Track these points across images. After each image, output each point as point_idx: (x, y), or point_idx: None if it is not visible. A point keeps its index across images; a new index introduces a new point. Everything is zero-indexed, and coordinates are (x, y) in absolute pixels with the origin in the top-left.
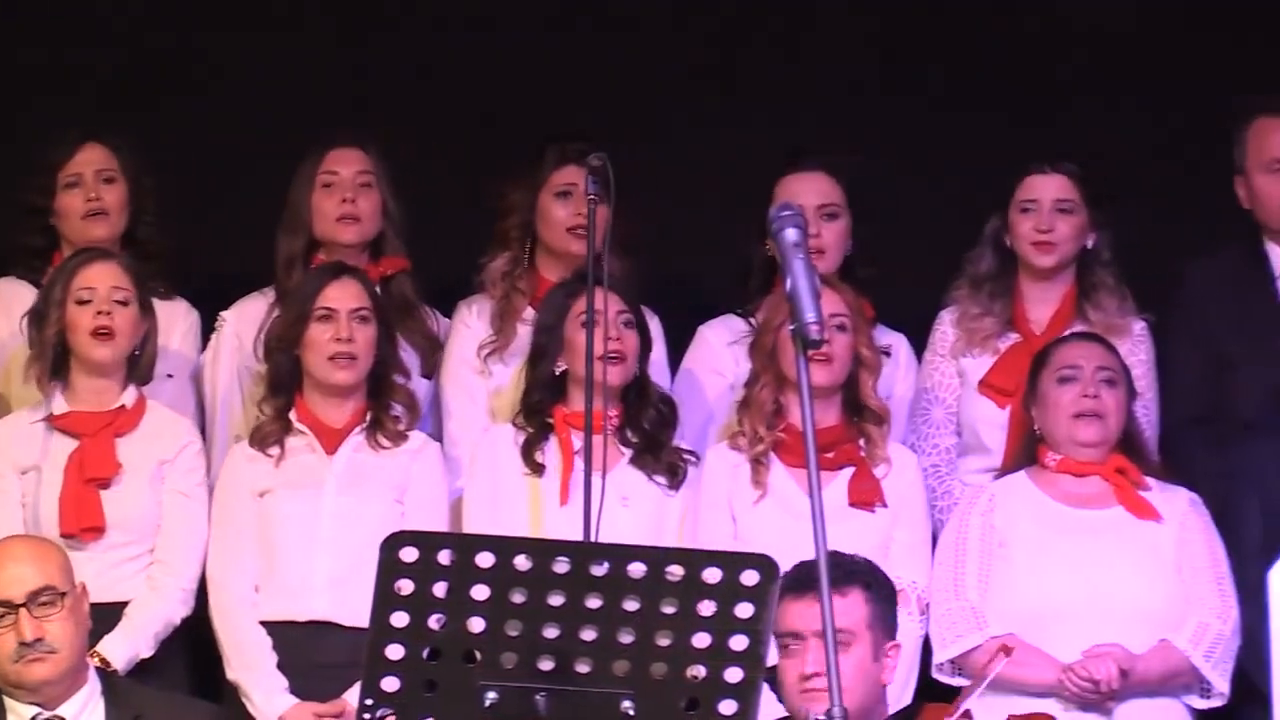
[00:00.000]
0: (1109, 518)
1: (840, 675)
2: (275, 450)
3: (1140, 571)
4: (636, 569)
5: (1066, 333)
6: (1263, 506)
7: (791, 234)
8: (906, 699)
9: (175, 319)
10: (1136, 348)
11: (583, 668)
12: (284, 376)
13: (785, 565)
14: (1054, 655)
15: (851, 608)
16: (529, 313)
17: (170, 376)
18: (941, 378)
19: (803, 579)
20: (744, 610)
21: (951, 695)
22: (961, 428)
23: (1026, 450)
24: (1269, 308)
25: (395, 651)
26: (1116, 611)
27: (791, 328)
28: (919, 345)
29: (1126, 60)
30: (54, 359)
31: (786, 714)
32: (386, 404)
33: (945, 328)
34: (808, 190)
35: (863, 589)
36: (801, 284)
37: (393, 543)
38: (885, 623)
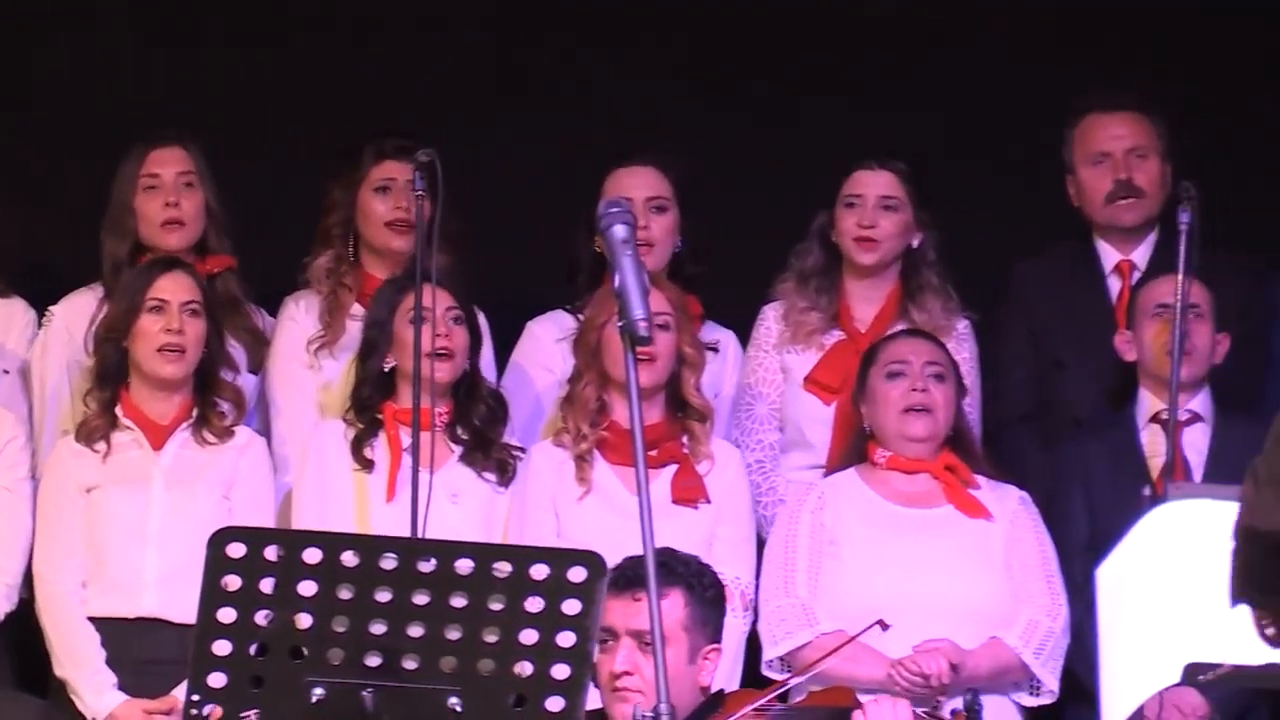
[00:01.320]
0: (939, 515)
1: (649, 675)
2: (102, 446)
3: (970, 569)
4: (464, 565)
5: (894, 330)
6: (1090, 505)
7: (620, 231)
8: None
9: (13, 317)
10: (960, 347)
11: (410, 664)
12: (111, 368)
13: (611, 563)
14: (884, 651)
15: (669, 609)
16: (357, 308)
17: (6, 372)
18: (765, 373)
19: (621, 577)
20: (571, 607)
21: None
22: (785, 424)
23: (856, 448)
24: (1099, 306)
25: (222, 647)
26: (947, 609)
27: (620, 324)
28: (748, 342)
29: (949, 61)
30: None
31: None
32: (213, 400)
33: (769, 323)
34: (637, 184)
35: (684, 590)
36: (630, 281)
37: (220, 539)
38: (706, 626)
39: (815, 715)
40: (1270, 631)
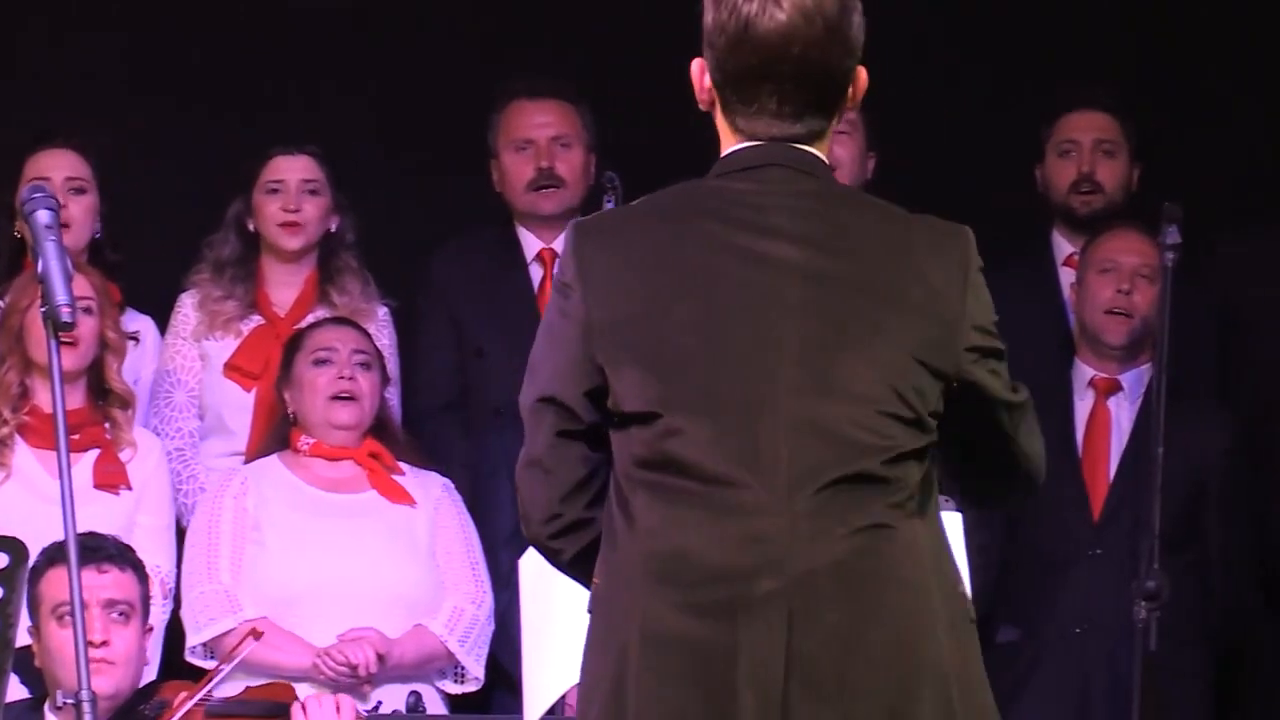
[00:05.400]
0: (362, 501)
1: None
2: None
3: (395, 556)
4: None
5: (318, 317)
6: (514, 496)
7: (44, 216)
8: (151, 676)
9: None
10: (380, 333)
11: None
12: None
13: (34, 548)
14: (309, 639)
15: (131, 584)
16: None
17: None
18: (184, 360)
19: (84, 549)
20: None
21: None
22: (205, 411)
23: (279, 434)
24: (520, 294)
25: None
26: (372, 596)
27: (43, 310)
28: (166, 330)
29: (376, 47)
30: None
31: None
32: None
33: (187, 310)
34: (56, 165)
35: (134, 569)
36: (53, 266)
37: None
38: (146, 605)
39: (253, 707)
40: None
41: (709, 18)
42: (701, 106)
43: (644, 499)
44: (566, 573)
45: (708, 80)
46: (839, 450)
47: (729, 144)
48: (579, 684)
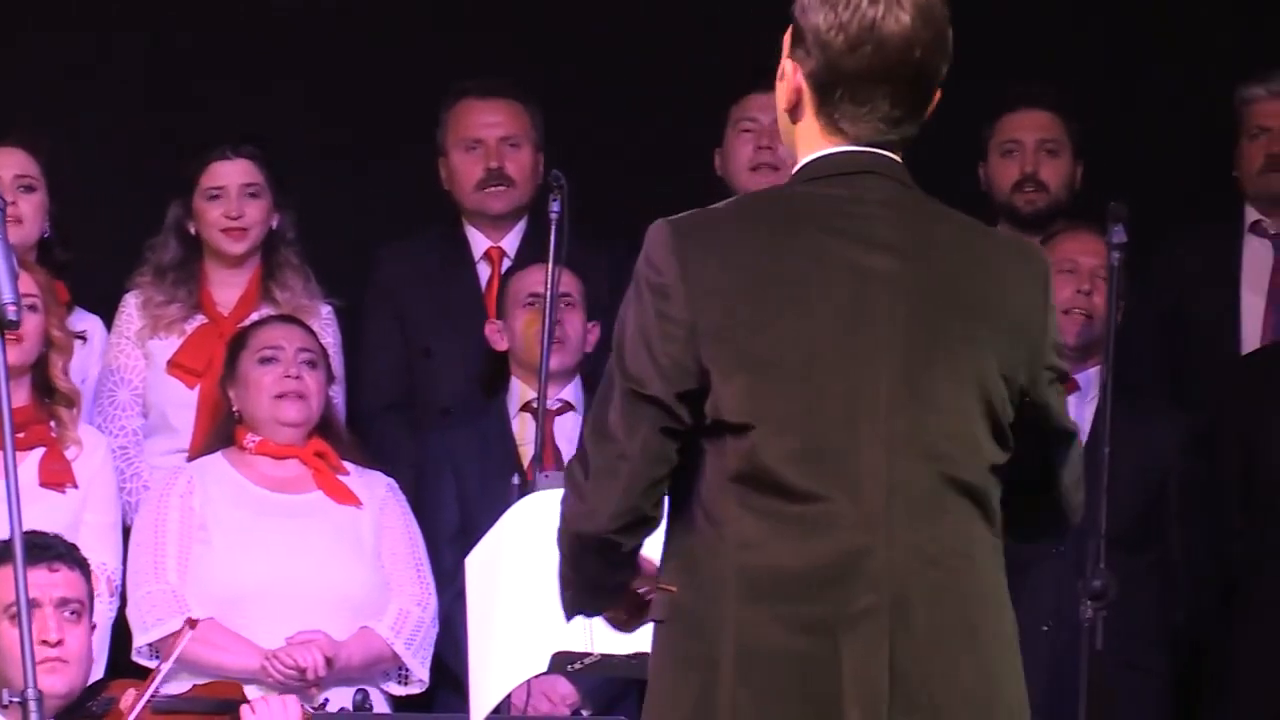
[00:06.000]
0: (308, 502)
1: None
2: None
3: (341, 557)
4: None
5: (262, 315)
6: (460, 493)
7: None
8: (98, 675)
9: None
10: (324, 331)
11: None
12: None
13: None
14: (256, 640)
15: (79, 582)
16: None
17: None
18: (128, 360)
19: (34, 547)
20: None
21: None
22: (149, 409)
23: (222, 432)
24: (468, 294)
25: None
26: (318, 597)
27: None
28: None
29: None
30: None
31: None
32: None
33: (131, 310)
34: (5, 163)
35: (80, 568)
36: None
37: None
38: (92, 603)
39: (201, 705)
40: (622, 618)
41: (819, 18)
42: (781, 105)
43: (736, 512)
44: (615, 569)
45: (799, 80)
46: (935, 465)
47: (817, 146)
48: (649, 697)
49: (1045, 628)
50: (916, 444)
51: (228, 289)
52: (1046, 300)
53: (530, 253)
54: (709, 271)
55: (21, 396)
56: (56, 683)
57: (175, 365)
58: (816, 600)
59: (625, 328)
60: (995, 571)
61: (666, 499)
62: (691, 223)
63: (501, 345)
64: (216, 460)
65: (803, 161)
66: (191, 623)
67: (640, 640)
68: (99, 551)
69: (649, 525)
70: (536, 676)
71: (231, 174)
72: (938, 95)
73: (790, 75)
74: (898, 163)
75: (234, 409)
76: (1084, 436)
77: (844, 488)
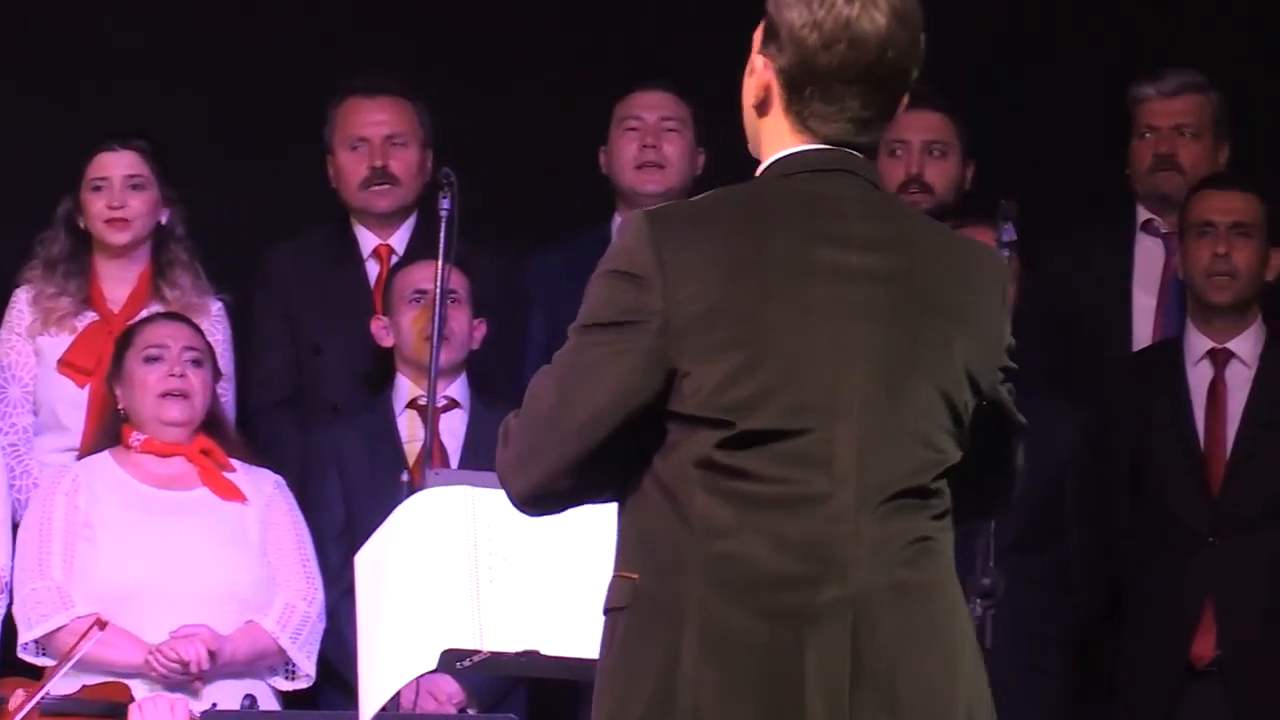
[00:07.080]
0: (194, 498)
1: None
2: None
3: (226, 553)
4: None
5: (151, 312)
6: (346, 490)
7: None
8: None
9: None
10: (214, 329)
11: None
12: None
13: None
14: (142, 636)
15: None
16: None
17: None
18: (19, 356)
19: None
20: None
21: (37, 675)
22: (39, 407)
23: (110, 430)
24: (356, 291)
25: None
26: (203, 593)
27: None
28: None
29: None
30: None
31: None
32: None
33: (21, 306)
34: None
35: None
36: None
37: None
38: None
39: (90, 707)
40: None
41: (794, 15)
42: (748, 100)
43: (704, 499)
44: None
45: (769, 75)
46: (904, 463)
47: (785, 143)
48: (602, 681)
49: None
50: (890, 443)
51: (118, 285)
52: (1004, 302)
53: (419, 250)
54: (688, 263)
55: None
56: None
57: (65, 364)
58: (783, 590)
59: (588, 313)
60: (953, 570)
61: (622, 483)
62: (671, 212)
63: (387, 341)
64: (103, 459)
65: (773, 158)
66: (101, 624)
67: (528, 638)
68: None
69: (563, 504)
70: (425, 675)
71: (116, 165)
72: (905, 100)
73: (760, 71)
74: (869, 163)
75: (120, 407)
76: None
77: (815, 481)
